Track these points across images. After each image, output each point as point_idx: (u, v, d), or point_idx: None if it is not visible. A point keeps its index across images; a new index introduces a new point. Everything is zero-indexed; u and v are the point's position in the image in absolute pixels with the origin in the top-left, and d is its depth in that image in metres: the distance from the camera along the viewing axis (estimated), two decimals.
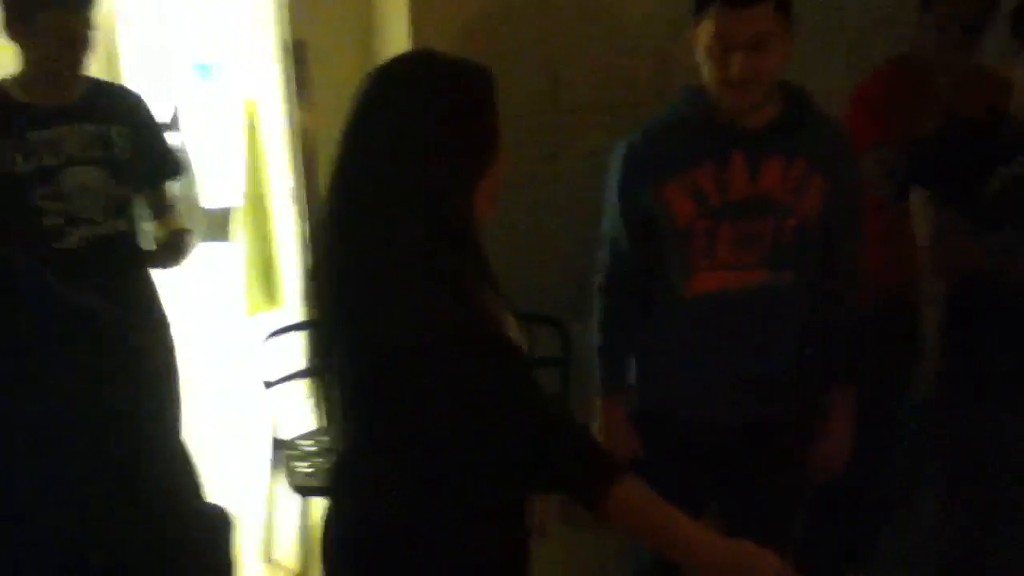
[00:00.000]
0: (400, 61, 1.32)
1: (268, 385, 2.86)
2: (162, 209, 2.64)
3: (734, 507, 2.01)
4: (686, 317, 1.88)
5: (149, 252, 2.58)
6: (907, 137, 2.20)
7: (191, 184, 5.23)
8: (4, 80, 2.34)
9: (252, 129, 3.94)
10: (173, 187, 2.76)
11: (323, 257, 1.30)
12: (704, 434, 1.92)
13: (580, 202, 2.02)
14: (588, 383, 2.05)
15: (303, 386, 2.56)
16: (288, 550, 3.07)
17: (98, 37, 2.38)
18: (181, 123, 6.34)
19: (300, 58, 2.93)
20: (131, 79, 4.11)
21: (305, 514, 2.86)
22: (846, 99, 2.36)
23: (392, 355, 1.21)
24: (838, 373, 1.99)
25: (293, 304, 3.51)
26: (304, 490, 2.74)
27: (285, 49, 2.98)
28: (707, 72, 1.74)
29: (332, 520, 1.44)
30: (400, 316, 1.21)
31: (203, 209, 5.68)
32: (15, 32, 2.23)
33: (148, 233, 2.65)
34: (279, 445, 2.95)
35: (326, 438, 2.77)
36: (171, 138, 3.03)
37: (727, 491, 2.01)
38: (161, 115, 3.36)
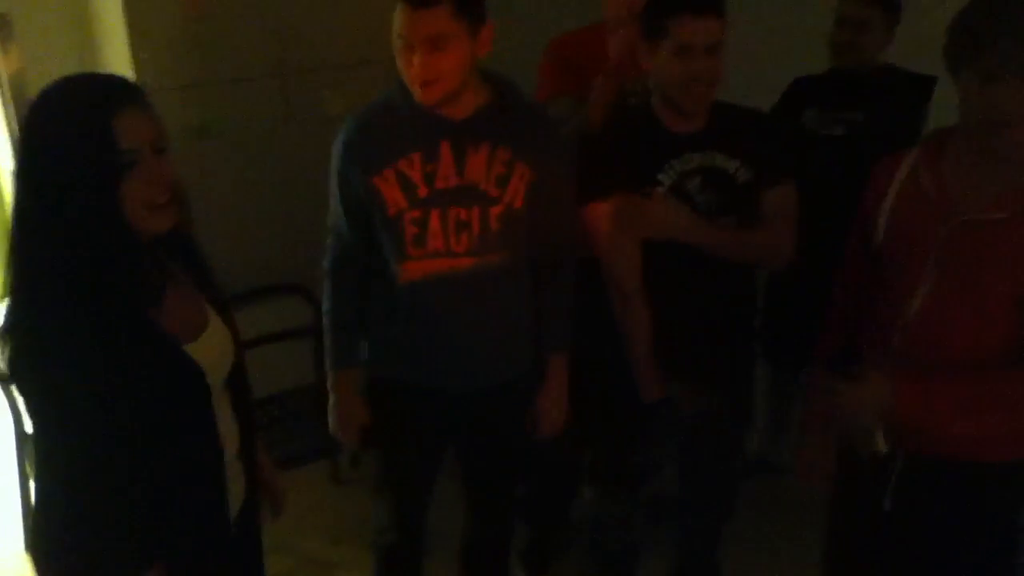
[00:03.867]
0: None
1: None
2: None
3: (469, 455, 2.17)
4: (403, 300, 1.94)
5: None
6: (581, 94, 2.30)
7: None
8: None
9: None
10: None
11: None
12: (434, 399, 2.01)
13: (318, 164, 2.07)
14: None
15: None
16: None
17: None
18: None
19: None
20: None
21: None
22: None
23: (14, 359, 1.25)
24: (552, 342, 2.08)
25: None
26: None
27: None
28: (399, 66, 1.81)
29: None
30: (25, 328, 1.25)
31: None
32: None
33: None
34: None
35: None
36: None
37: (461, 442, 2.14)
38: None
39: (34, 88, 2.80)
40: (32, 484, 2.22)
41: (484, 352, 1.98)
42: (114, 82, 1.29)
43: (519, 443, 2.16)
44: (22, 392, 1.27)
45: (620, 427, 2.23)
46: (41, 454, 1.31)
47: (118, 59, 2.76)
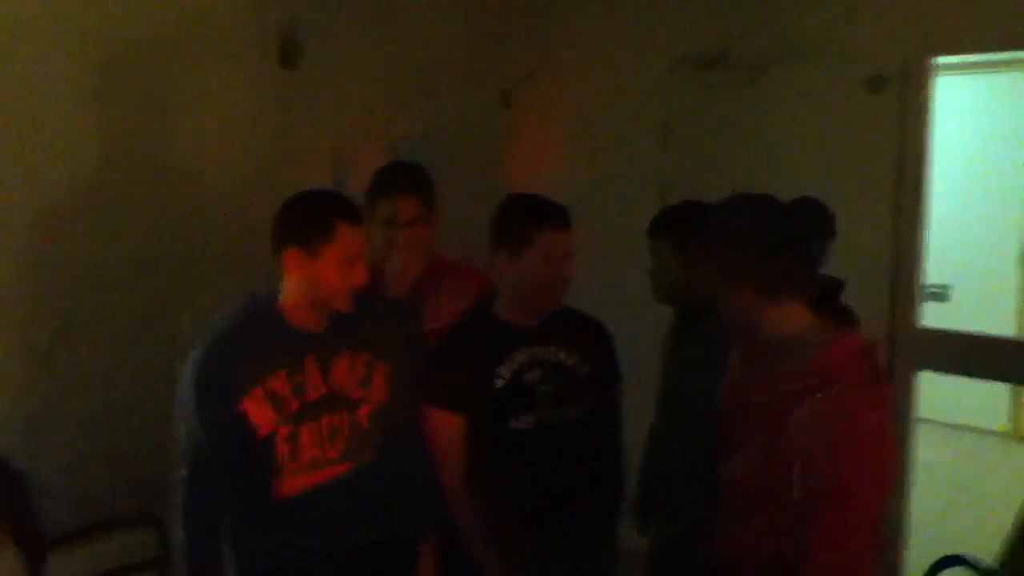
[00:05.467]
0: None
1: None
2: None
3: None
4: (280, 517, 1.94)
5: None
6: None
7: None
8: None
9: None
10: None
11: None
12: None
13: None
14: None
15: None
16: None
17: None
18: None
19: None
20: None
21: None
22: None
23: None
24: (416, 529, 2.15)
25: None
26: None
27: None
28: (324, 281, 1.92)
29: None
30: None
31: None
32: None
33: None
34: None
35: None
36: None
37: None
38: None
39: None
40: None
41: (366, 548, 2.02)
42: None
43: None
44: None
45: None
46: None
47: None
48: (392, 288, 2.51)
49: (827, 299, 2.62)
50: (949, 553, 2.74)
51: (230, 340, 1.91)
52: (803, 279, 1.75)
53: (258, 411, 1.87)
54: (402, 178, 2.52)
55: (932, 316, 4.73)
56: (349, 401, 1.97)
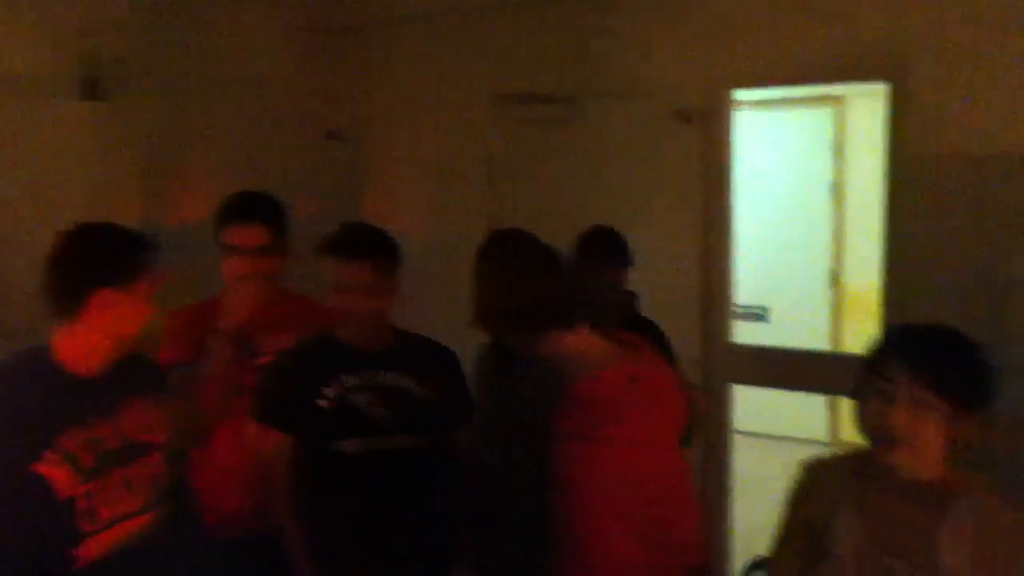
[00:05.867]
0: None
1: None
2: None
3: None
4: None
5: None
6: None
7: None
8: None
9: None
10: None
11: None
12: None
13: None
14: None
15: None
16: None
17: None
18: None
19: None
20: None
21: None
22: None
23: None
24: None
25: None
26: None
27: None
28: None
29: None
30: None
31: None
32: None
33: None
34: None
35: None
36: None
37: None
38: None
39: None
40: None
41: None
42: None
43: None
44: None
45: None
46: None
47: None
48: (230, 317, 2.40)
49: (627, 312, 2.78)
50: None
51: (7, 404, 1.73)
52: (578, 306, 1.85)
53: (54, 472, 1.70)
54: (250, 205, 2.46)
55: (753, 335, 5.06)
56: (143, 446, 1.85)
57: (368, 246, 2.19)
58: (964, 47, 2.94)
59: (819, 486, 1.65)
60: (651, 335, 2.63)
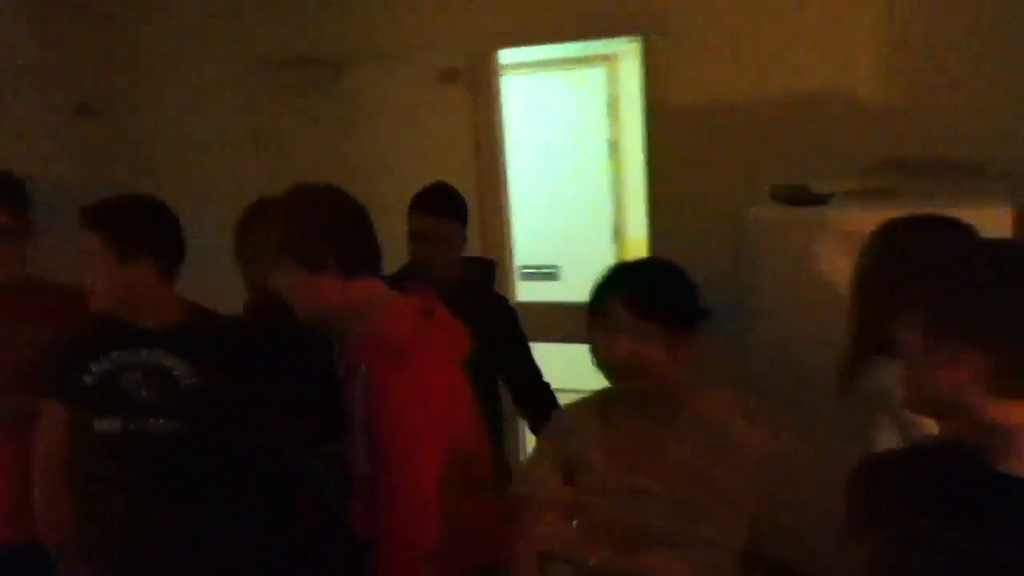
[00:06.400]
0: None
1: None
2: None
3: None
4: None
5: None
6: None
7: None
8: None
9: None
10: None
11: None
12: None
13: None
14: None
15: None
16: None
17: None
18: None
19: None
20: None
21: None
22: None
23: None
24: None
25: None
26: None
27: None
28: None
29: None
30: None
31: None
32: None
33: None
34: None
35: None
36: None
37: None
38: None
39: None
40: None
41: None
42: None
43: None
44: None
45: None
46: None
47: None
48: None
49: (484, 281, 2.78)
50: None
51: None
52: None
53: None
54: None
55: (549, 293, 5.18)
56: None
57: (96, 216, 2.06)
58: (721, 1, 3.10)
59: (569, 426, 1.74)
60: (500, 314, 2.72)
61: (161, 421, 2.04)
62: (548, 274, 5.96)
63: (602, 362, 1.66)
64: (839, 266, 2.07)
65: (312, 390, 2.04)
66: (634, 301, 1.61)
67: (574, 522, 1.67)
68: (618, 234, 5.99)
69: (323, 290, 1.78)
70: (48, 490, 2.06)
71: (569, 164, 5.93)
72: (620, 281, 1.67)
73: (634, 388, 1.67)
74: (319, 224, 1.79)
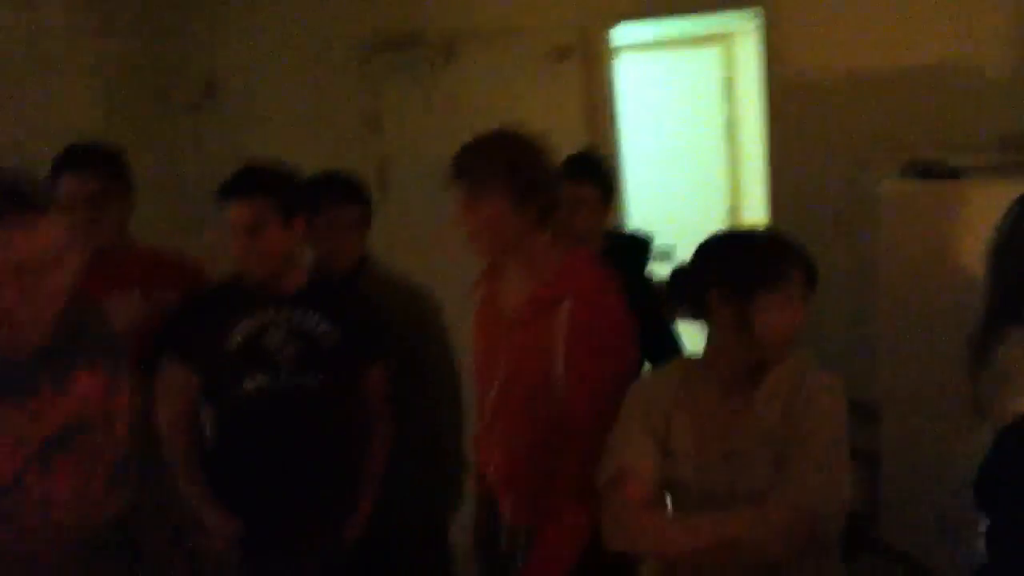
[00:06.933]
0: None
1: None
2: None
3: None
4: None
5: None
6: None
7: None
8: None
9: None
10: None
11: None
12: None
13: None
14: None
15: None
16: None
17: None
18: None
19: None
20: None
21: None
22: None
23: None
24: None
25: None
26: None
27: None
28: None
29: None
30: None
31: None
32: None
33: None
34: None
35: None
36: None
37: None
38: None
39: None
40: None
41: None
42: None
43: None
44: None
45: None
46: None
47: None
48: None
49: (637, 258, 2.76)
50: None
51: None
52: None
53: None
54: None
55: (662, 272, 5.11)
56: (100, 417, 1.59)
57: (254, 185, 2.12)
58: None
59: (654, 396, 1.71)
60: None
61: (308, 375, 2.12)
62: (663, 253, 5.89)
63: (774, 334, 1.57)
64: (974, 240, 1.96)
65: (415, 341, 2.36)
66: (809, 270, 1.59)
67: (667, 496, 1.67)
68: (733, 215, 5.87)
69: (516, 228, 1.83)
70: (177, 450, 2.12)
71: (683, 144, 5.83)
72: (795, 250, 1.61)
73: (782, 358, 1.61)
74: (543, 165, 1.86)
